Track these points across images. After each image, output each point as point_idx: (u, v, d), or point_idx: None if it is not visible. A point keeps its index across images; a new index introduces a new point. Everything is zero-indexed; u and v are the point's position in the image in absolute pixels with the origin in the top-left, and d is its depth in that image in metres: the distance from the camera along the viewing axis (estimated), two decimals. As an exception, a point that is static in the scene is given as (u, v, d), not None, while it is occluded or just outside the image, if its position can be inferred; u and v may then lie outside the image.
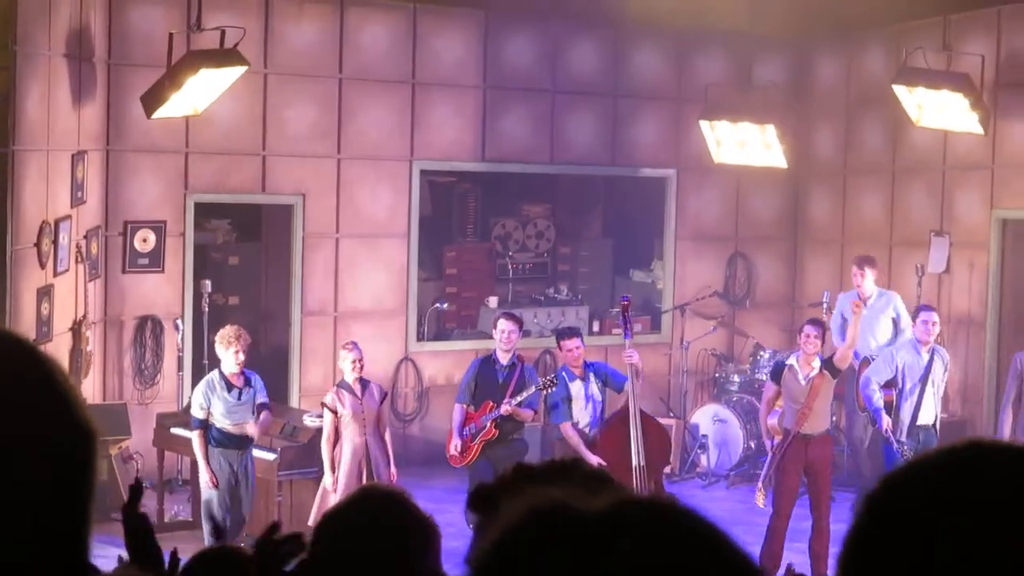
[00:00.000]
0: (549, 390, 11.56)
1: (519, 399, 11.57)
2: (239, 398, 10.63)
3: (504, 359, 11.85)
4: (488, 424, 11.54)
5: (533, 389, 11.64)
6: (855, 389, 14.26)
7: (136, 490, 4.15)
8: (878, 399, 11.86)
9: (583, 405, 11.64)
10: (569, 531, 1.31)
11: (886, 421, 11.73)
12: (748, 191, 17.34)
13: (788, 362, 11.70)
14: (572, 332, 12.09)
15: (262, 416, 10.75)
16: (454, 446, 11.71)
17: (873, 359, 13.11)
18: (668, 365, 16.45)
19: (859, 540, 1.51)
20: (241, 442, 10.71)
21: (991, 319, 15.06)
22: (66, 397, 1.53)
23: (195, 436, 10.71)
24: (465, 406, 11.79)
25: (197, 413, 10.66)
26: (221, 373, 10.66)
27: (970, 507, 1.44)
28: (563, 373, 11.79)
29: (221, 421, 10.62)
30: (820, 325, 11.91)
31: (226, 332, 10.70)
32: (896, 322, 13.77)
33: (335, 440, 10.91)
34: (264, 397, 10.95)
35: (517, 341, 12.06)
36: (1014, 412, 11.99)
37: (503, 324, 11.96)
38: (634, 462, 11.34)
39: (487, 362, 11.98)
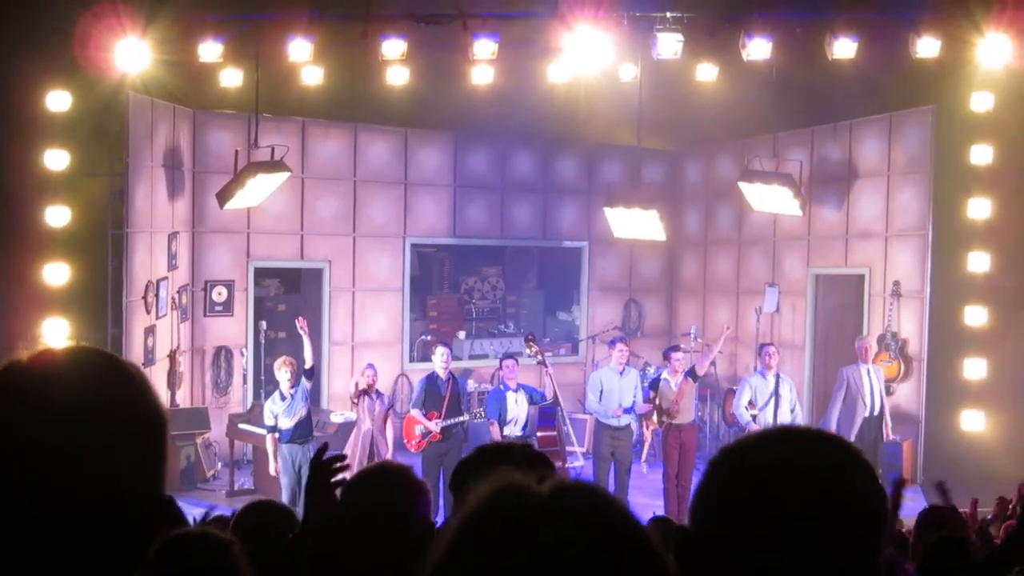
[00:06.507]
0: (479, 418, 11.52)
1: (454, 421, 11.18)
2: (292, 399, 10.67)
3: (443, 375, 11.29)
4: (436, 430, 11.12)
5: (466, 417, 11.34)
6: (725, 410, 14.22)
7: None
8: (747, 417, 11.50)
9: (515, 421, 11.22)
10: (525, 510, 1.21)
11: (753, 428, 10.85)
12: (638, 256, 17.50)
13: (662, 376, 11.78)
14: (509, 355, 11.83)
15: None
16: (415, 440, 11.28)
17: (734, 389, 12.76)
18: (583, 378, 16.05)
19: (703, 490, 1.55)
20: (303, 438, 10.71)
21: (808, 345, 15.36)
22: (144, 393, 1.52)
23: (268, 437, 10.88)
24: (417, 410, 11.34)
25: (268, 421, 10.83)
26: (278, 390, 10.80)
27: (772, 465, 1.50)
28: (500, 386, 11.43)
29: (284, 422, 10.67)
30: (679, 348, 12.10)
31: (278, 360, 10.96)
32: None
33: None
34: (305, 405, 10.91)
35: (451, 361, 11.50)
36: (840, 409, 11.81)
37: (442, 350, 11.36)
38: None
39: (432, 379, 11.32)
